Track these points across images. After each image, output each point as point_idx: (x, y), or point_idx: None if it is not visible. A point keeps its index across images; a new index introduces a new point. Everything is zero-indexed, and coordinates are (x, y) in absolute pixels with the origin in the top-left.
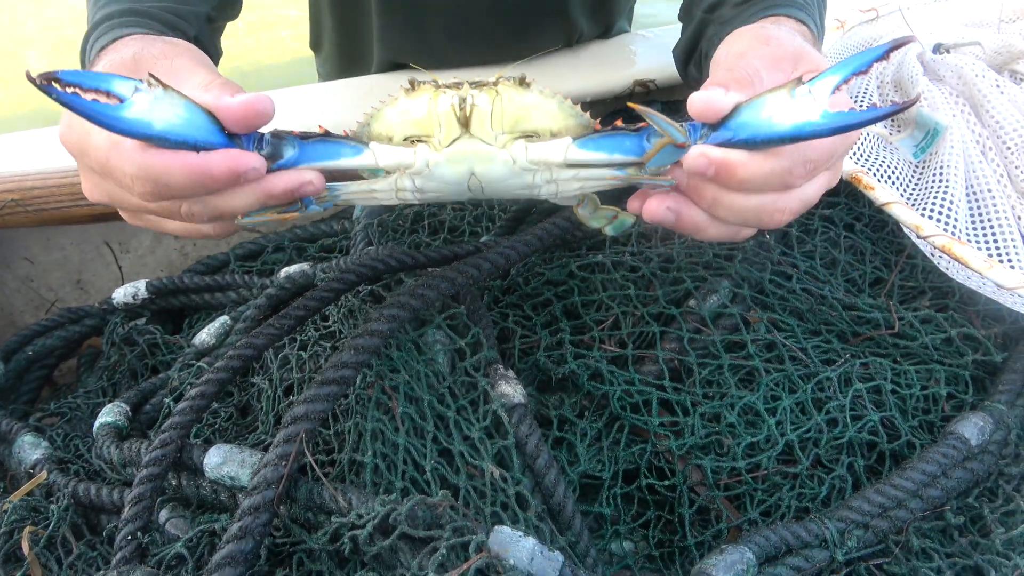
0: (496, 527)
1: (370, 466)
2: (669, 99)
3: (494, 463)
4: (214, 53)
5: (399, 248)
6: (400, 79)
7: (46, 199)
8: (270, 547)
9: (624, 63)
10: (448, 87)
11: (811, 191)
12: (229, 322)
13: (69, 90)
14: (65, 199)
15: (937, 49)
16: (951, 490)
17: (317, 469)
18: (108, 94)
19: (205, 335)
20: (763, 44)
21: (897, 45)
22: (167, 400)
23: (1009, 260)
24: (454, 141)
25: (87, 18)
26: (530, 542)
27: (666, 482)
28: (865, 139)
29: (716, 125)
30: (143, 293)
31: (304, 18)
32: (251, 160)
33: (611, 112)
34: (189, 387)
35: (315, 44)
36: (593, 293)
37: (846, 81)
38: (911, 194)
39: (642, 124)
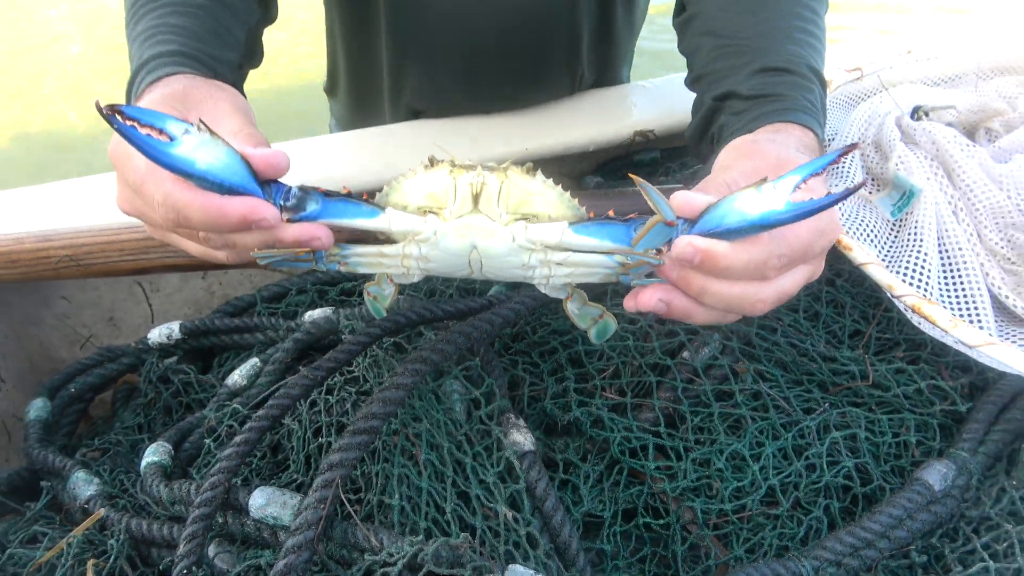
0: (510, 566)
1: (397, 508)
2: (668, 146)
3: (507, 505)
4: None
5: (419, 302)
6: (411, 130)
7: (96, 255)
8: None
9: (624, 113)
10: (463, 167)
11: (788, 283)
12: (259, 364)
13: (128, 123)
14: (113, 255)
15: (915, 112)
16: (916, 531)
17: (355, 515)
18: (161, 131)
19: (237, 376)
20: (747, 158)
21: (847, 151)
22: (207, 441)
23: (976, 313)
24: (463, 216)
25: (131, 55)
26: None
27: (661, 521)
28: (848, 200)
29: (695, 220)
30: (177, 334)
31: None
32: (265, 211)
33: (612, 158)
34: (227, 429)
35: (330, 89)
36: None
37: (804, 181)
38: (888, 251)
39: (631, 215)
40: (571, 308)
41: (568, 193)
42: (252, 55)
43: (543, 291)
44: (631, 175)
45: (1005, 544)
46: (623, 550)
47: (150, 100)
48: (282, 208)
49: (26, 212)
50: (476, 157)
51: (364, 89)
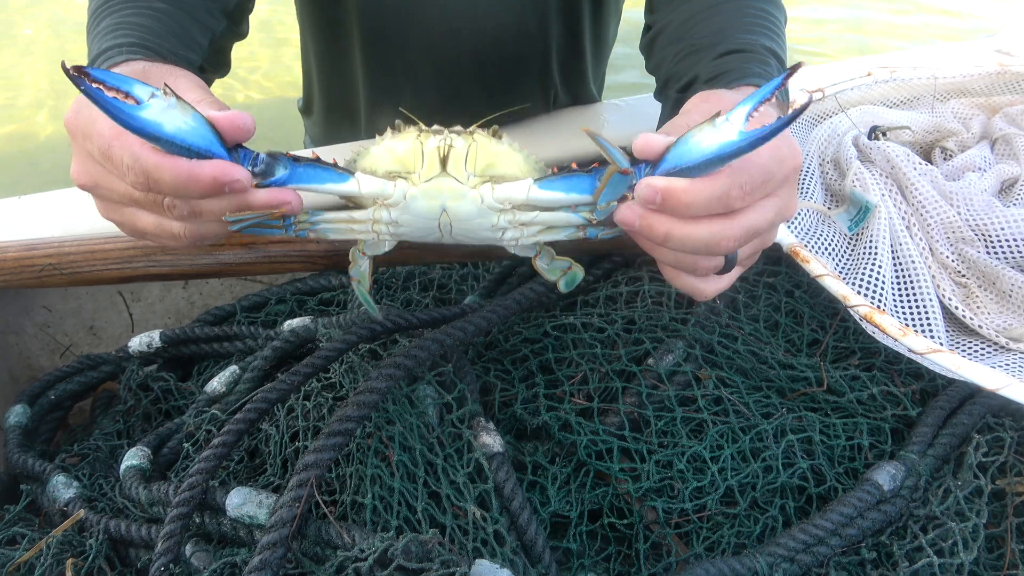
0: (477, 560)
1: (370, 507)
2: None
3: (476, 505)
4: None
5: (394, 310)
6: None
7: (80, 264)
8: None
9: (599, 129)
10: (430, 132)
11: (756, 218)
12: (238, 371)
13: (95, 85)
14: (98, 263)
15: (873, 131)
16: (866, 529)
17: (327, 511)
18: (127, 95)
19: (216, 383)
20: (705, 102)
21: (792, 71)
22: (186, 445)
23: (928, 323)
24: (431, 179)
25: (89, 51)
26: (505, 573)
27: (625, 521)
28: (805, 214)
29: (656, 162)
30: (157, 343)
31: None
32: (236, 173)
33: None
34: (206, 433)
35: (305, 109)
36: (565, 351)
37: (756, 108)
38: (845, 264)
39: (595, 164)
40: (540, 264)
41: (534, 156)
42: (216, 64)
43: (512, 251)
44: (584, 128)
45: (950, 542)
46: (589, 549)
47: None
48: (252, 174)
49: (8, 222)
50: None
51: (338, 110)
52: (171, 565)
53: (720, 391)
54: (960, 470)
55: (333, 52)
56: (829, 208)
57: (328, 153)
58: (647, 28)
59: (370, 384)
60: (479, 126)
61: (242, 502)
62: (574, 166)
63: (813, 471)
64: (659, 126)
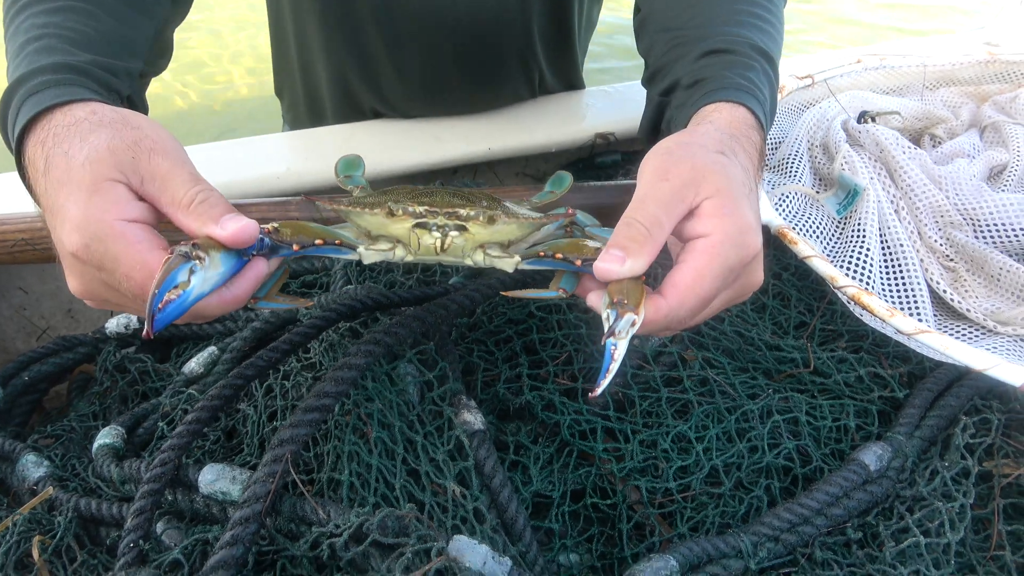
0: (455, 536)
1: (346, 484)
2: (629, 150)
3: (456, 482)
4: (143, 109)
5: (376, 288)
6: (367, 130)
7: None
8: (257, 554)
9: (586, 116)
10: (424, 219)
11: (698, 320)
12: (216, 352)
13: (158, 311)
14: None
15: (862, 117)
16: (852, 509)
17: (301, 485)
18: (175, 287)
19: (194, 364)
20: (662, 180)
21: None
22: (160, 424)
23: (916, 306)
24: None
25: (8, 53)
26: (483, 548)
27: (608, 501)
28: (794, 197)
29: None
30: (135, 324)
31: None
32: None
33: (575, 159)
34: (182, 412)
35: (279, 91)
36: (550, 331)
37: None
38: (834, 247)
39: (577, 261)
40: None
41: (527, 209)
42: (158, 58)
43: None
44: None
45: (936, 522)
46: (571, 529)
47: (90, 155)
48: (257, 254)
49: None
50: (439, 157)
51: (314, 92)
52: (141, 541)
53: (706, 372)
54: (947, 451)
55: (308, 38)
56: (818, 192)
57: (304, 137)
58: (637, 9)
59: (348, 360)
60: (472, 215)
61: (215, 478)
62: (558, 257)
63: (799, 452)
64: (642, 120)
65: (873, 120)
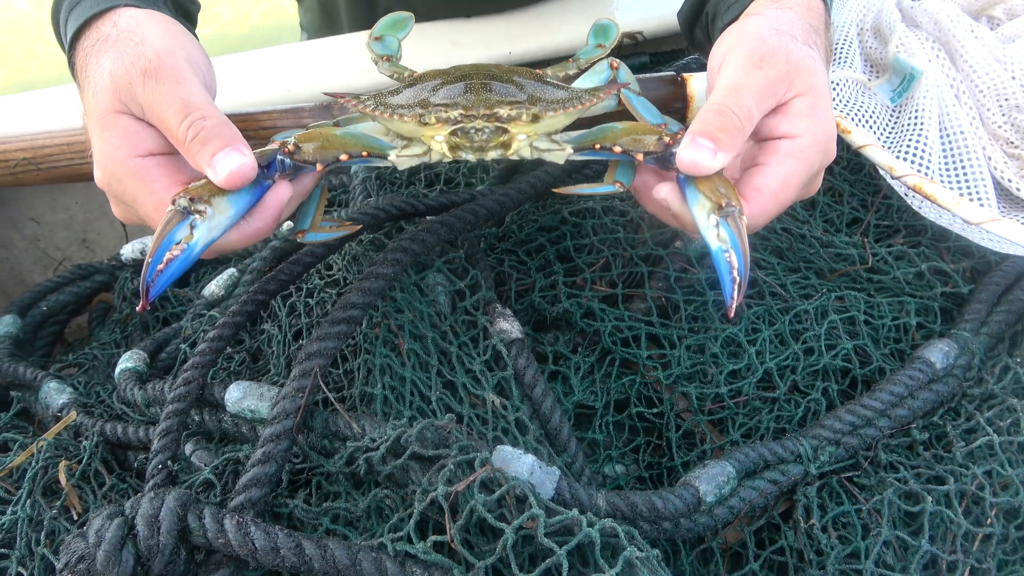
0: (499, 446)
1: (380, 397)
2: (657, 50)
3: (494, 393)
4: (193, 10)
5: (399, 197)
6: None
7: (57, 157)
8: (290, 473)
9: (611, 14)
10: (460, 123)
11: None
12: (236, 274)
13: (158, 273)
14: (75, 157)
15: None
16: (917, 410)
17: (332, 398)
18: (177, 244)
19: (214, 286)
20: (756, 68)
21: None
22: (183, 347)
23: (979, 197)
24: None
25: None
26: (529, 458)
27: (654, 410)
28: (844, 85)
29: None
30: None
31: None
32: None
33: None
34: (203, 334)
35: None
36: (584, 237)
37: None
38: (888, 137)
39: (628, 151)
40: None
41: (572, 69)
42: None
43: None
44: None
45: (1009, 420)
46: (616, 440)
47: (97, 85)
48: (279, 177)
49: None
50: (456, 63)
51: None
52: (169, 463)
53: (755, 273)
54: (1017, 348)
55: None
56: (870, 80)
57: (319, 47)
58: None
59: (375, 269)
60: (512, 115)
61: (242, 396)
62: (617, 150)
63: (857, 352)
64: (681, 12)
65: None
